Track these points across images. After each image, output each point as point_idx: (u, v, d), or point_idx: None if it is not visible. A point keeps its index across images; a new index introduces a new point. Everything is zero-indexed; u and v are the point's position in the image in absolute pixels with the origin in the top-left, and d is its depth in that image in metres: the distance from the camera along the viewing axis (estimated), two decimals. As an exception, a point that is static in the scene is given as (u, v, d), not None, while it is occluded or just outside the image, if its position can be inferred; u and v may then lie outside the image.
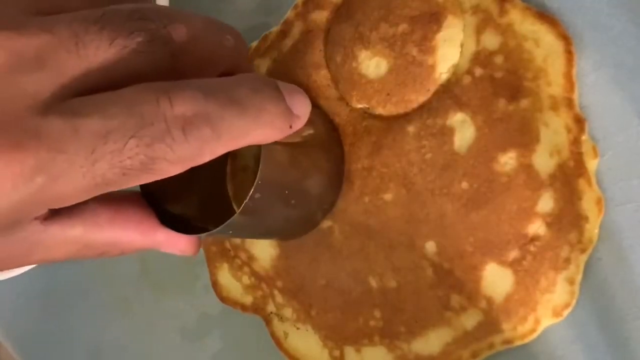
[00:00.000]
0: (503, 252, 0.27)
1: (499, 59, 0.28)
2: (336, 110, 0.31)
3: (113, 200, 0.23)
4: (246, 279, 0.34)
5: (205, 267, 0.35)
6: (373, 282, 0.30)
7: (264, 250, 0.33)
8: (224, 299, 0.35)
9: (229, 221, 0.24)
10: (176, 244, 0.25)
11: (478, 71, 0.28)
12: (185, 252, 0.26)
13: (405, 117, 0.29)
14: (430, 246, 0.29)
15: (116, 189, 0.20)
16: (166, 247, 0.25)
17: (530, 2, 0.27)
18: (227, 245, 0.34)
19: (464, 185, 0.28)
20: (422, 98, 0.29)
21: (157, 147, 0.19)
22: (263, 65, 0.33)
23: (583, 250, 0.27)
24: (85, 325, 0.40)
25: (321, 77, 0.31)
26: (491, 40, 0.28)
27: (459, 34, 0.28)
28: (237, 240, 0.34)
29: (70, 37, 0.19)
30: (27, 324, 0.42)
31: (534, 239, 0.27)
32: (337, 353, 0.31)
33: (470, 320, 0.28)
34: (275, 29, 0.33)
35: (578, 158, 0.26)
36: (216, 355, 0.36)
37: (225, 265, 0.34)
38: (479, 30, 0.28)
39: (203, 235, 0.25)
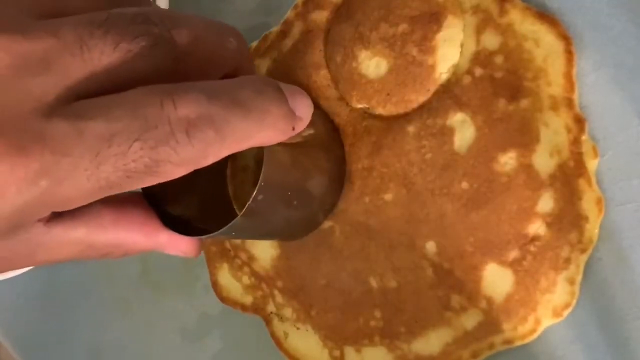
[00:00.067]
0: (503, 252, 0.27)
1: (499, 59, 0.28)
2: (336, 110, 0.31)
3: (116, 202, 0.23)
4: (246, 279, 0.34)
5: (205, 267, 0.35)
6: (373, 282, 0.30)
7: (264, 251, 0.33)
8: (224, 299, 0.35)
9: (231, 223, 0.24)
10: (178, 245, 0.25)
11: (478, 71, 0.28)
12: (187, 254, 0.26)
13: (405, 117, 0.29)
14: (431, 246, 0.29)
15: (120, 192, 0.20)
16: (169, 249, 0.25)
17: (531, 2, 0.27)
18: (227, 245, 0.34)
19: (464, 185, 0.28)
20: (422, 98, 0.29)
21: (161, 150, 0.19)
22: (263, 65, 0.33)
23: (583, 250, 0.27)
24: (85, 325, 0.40)
25: (321, 77, 0.31)
26: (491, 40, 0.28)
27: (459, 34, 0.28)
28: (237, 241, 0.34)
29: (75, 40, 0.19)
30: (27, 324, 0.42)
31: (534, 239, 0.27)
32: (337, 353, 0.31)
33: (470, 320, 0.28)
34: (275, 29, 0.33)
35: (578, 158, 0.26)
36: (216, 356, 0.36)
37: (225, 266, 0.34)
38: (479, 30, 0.28)
39: (205, 236, 0.25)
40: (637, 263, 0.26)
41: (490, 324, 0.28)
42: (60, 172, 0.18)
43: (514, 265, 0.27)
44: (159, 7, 0.32)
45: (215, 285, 0.35)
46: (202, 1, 0.36)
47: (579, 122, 0.26)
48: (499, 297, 0.28)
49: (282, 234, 0.31)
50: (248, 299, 0.34)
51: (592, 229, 0.26)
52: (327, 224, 0.31)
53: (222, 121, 0.20)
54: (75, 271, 0.40)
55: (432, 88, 0.29)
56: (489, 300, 0.28)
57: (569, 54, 0.27)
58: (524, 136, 0.27)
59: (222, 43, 0.23)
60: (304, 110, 0.23)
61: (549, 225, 0.27)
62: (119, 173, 0.19)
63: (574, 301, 0.27)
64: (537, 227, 0.27)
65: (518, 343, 0.28)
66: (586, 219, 0.26)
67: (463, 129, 0.28)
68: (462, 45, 0.28)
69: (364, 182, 0.30)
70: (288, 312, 0.33)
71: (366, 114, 0.30)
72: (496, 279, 0.28)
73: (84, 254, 0.23)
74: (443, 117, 0.28)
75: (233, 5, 0.35)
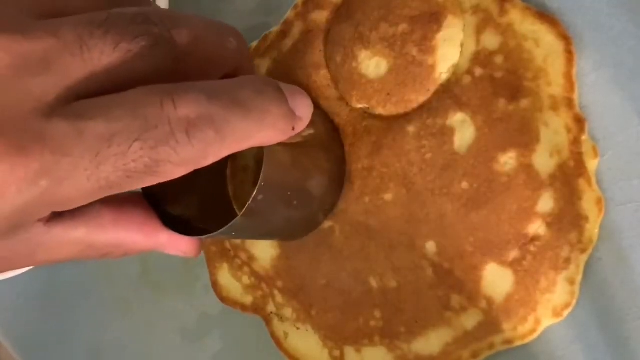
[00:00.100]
0: (503, 252, 0.27)
1: (499, 59, 0.28)
2: (336, 110, 0.31)
3: (116, 202, 0.23)
4: (246, 279, 0.34)
5: (205, 267, 0.35)
6: (373, 282, 0.30)
7: (264, 251, 0.33)
8: (224, 299, 0.35)
9: (231, 223, 0.24)
10: (179, 245, 0.25)
11: (478, 71, 0.28)
12: (187, 254, 0.26)
13: (405, 117, 0.29)
14: (431, 246, 0.29)
15: (120, 192, 0.20)
16: (169, 249, 0.25)
17: (531, 2, 0.27)
18: (227, 245, 0.34)
19: (464, 185, 0.28)
20: (422, 98, 0.29)
21: (161, 150, 0.19)
22: (263, 65, 0.33)
23: (583, 250, 0.27)
24: (85, 325, 0.40)
25: (321, 77, 0.31)
26: (491, 40, 0.28)
27: (459, 34, 0.28)
28: (237, 241, 0.34)
29: (75, 40, 0.19)
30: (27, 324, 0.42)
31: (534, 239, 0.27)
32: (337, 353, 0.31)
33: (470, 320, 0.28)
34: (275, 29, 0.33)
35: (578, 158, 0.26)
36: (216, 356, 0.36)
37: (225, 266, 0.34)
38: (479, 30, 0.28)
39: (205, 236, 0.25)
40: (637, 263, 0.26)
41: (490, 324, 0.28)
42: (61, 172, 0.18)
43: (514, 265, 0.27)
44: (159, 7, 0.32)
45: (215, 285, 0.35)
46: (202, 1, 0.36)
47: (579, 122, 0.26)
48: (499, 297, 0.28)
49: (282, 234, 0.31)
50: (248, 299, 0.34)
51: (592, 229, 0.26)
52: (327, 224, 0.31)
53: (222, 121, 0.20)
54: (76, 271, 0.40)
55: (432, 88, 0.29)
56: (489, 300, 0.28)
57: (569, 54, 0.27)
58: (524, 136, 0.27)
59: (222, 43, 0.23)
60: (304, 110, 0.23)
61: (549, 225, 0.27)
62: (119, 173, 0.19)
63: (574, 301, 0.27)
64: (537, 227, 0.27)
65: (518, 343, 0.28)
66: (586, 219, 0.26)
67: (463, 129, 0.28)
68: (462, 45, 0.28)
69: (364, 182, 0.30)
70: (288, 312, 0.33)
71: (366, 114, 0.30)
72: (496, 279, 0.28)
73: (83, 254, 0.23)
74: (443, 117, 0.28)
75: (233, 5, 0.35)
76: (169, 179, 0.20)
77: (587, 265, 0.27)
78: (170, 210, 0.26)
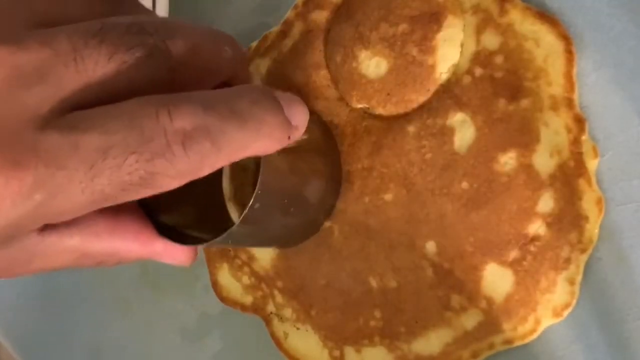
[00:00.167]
0: (503, 252, 0.27)
1: (499, 59, 0.28)
2: (336, 110, 0.31)
3: (111, 210, 0.23)
4: (246, 279, 0.34)
5: (205, 267, 0.35)
6: (373, 282, 0.30)
7: (264, 251, 0.33)
8: (224, 299, 0.35)
9: (228, 231, 0.24)
10: (174, 254, 0.25)
11: (478, 71, 0.28)
12: (183, 263, 0.25)
13: (405, 117, 0.29)
14: (431, 246, 0.29)
15: (114, 204, 0.20)
16: (164, 258, 0.25)
17: (531, 2, 0.27)
18: (227, 245, 0.34)
19: (464, 185, 0.28)
20: (422, 98, 0.29)
21: (157, 163, 0.19)
22: (263, 65, 0.33)
23: (583, 250, 0.27)
24: (85, 325, 0.40)
25: (321, 77, 0.31)
26: (491, 40, 0.28)
27: (459, 34, 0.28)
28: (237, 241, 0.34)
29: (69, 51, 0.19)
30: (27, 324, 0.42)
31: (534, 239, 0.27)
32: (337, 353, 0.31)
33: (470, 320, 0.28)
34: (275, 29, 0.33)
35: (578, 158, 0.26)
36: (216, 355, 0.36)
37: (225, 266, 0.34)
38: (479, 30, 0.28)
39: (202, 245, 0.25)
40: (637, 263, 0.26)
41: (490, 324, 0.28)
42: (55, 185, 0.18)
43: (514, 265, 0.27)
44: (155, 16, 0.31)
45: (215, 285, 0.35)
46: (202, 1, 0.36)
47: (579, 122, 0.26)
48: (499, 297, 0.28)
49: (279, 241, 0.31)
50: (248, 299, 0.34)
51: (592, 229, 0.26)
52: (326, 224, 0.31)
53: (219, 132, 0.20)
54: (75, 271, 0.40)
55: (432, 88, 0.29)
56: (489, 300, 0.28)
57: (569, 54, 0.27)
58: (524, 136, 0.27)
59: (218, 52, 0.23)
60: (300, 118, 0.23)
61: (549, 225, 0.27)
62: (114, 186, 0.19)
63: (574, 301, 0.27)
64: (537, 227, 0.27)
65: (518, 343, 0.28)
66: (586, 219, 0.26)
67: (463, 129, 0.28)
68: (462, 45, 0.28)
69: (363, 182, 0.30)
70: (288, 312, 0.33)
71: (366, 114, 0.30)
72: (496, 279, 0.28)
73: (78, 262, 0.23)
74: (443, 117, 0.28)
75: (233, 5, 0.35)
76: (164, 191, 0.20)
77: (587, 265, 0.27)
78: (165, 219, 0.25)
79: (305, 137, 0.28)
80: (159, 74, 0.20)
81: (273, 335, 0.33)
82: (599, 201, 0.26)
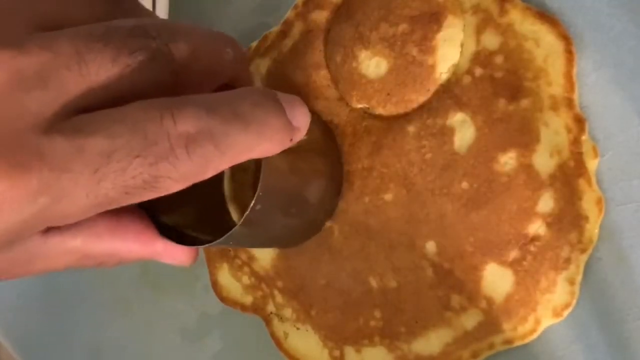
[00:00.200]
0: (503, 252, 0.27)
1: (499, 59, 0.28)
2: (336, 110, 0.31)
3: (112, 211, 0.23)
4: (246, 279, 0.34)
5: (205, 267, 0.35)
6: (373, 282, 0.30)
7: (264, 251, 0.33)
8: (224, 299, 0.35)
9: (229, 233, 0.24)
10: (175, 254, 0.25)
11: (478, 71, 0.28)
12: (183, 263, 0.26)
13: (405, 117, 0.29)
14: (431, 246, 0.29)
15: (118, 206, 0.20)
16: (165, 258, 0.25)
17: (531, 2, 0.27)
18: (227, 245, 0.34)
19: (464, 185, 0.28)
20: (422, 98, 0.29)
21: (161, 166, 0.19)
22: (263, 65, 0.33)
23: (583, 250, 0.27)
24: (85, 325, 0.40)
25: (321, 77, 0.31)
26: (491, 40, 0.28)
27: (459, 34, 0.28)
28: (237, 241, 0.34)
29: (72, 54, 0.19)
30: (27, 324, 0.42)
31: (534, 239, 0.27)
32: (337, 353, 0.31)
33: (470, 320, 0.28)
34: (275, 29, 0.33)
35: (578, 158, 0.26)
36: (216, 355, 0.36)
37: (225, 266, 0.34)
38: (479, 30, 0.28)
39: (203, 246, 0.25)
40: (637, 263, 0.26)
41: (490, 324, 0.28)
42: (59, 189, 0.18)
43: (514, 265, 0.27)
44: (157, 18, 0.31)
45: (215, 285, 0.35)
46: (202, 1, 0.36)
47: (579, 122, 0.26)
48: (499, 297, 0.28)
49: (280, 242, 0.31)
50: (248, 299, 0.34)
51: (592, 229, 0.26)
52: (326, 224, 0.31)
53: (222, 135, 0.20)
54: (75, 272, 0.40)
55: (432, 88, 0.29)
56: (489, 300, 0.28)
57: (569, 53, 0.27)
58: (524, 136, 0.27)
59: (219, 54, 0.23)
60: (302, 119, 0.23)
61: (549, 225, 0.27)
62: (118, 189, 0.19)
63: (574, 301, 0.27)
64: (537, 227, 0.27)
65: (518, 343, 0.28)
66: (586, 219, 0.26)
67: (463, 129, 0.28)
68: (462, 45, 0.28)
69: (363, 182, 0.30)
70: (288, 312, 0.33)
71: (366, 114, 0.30)
72: (496, 279, 0.28)
73: (80, 263, 0.23)
74: (443, 117, 0.28)
75: (233, 5, 0.35)
76: (167, 193, 0.20)
77: (587, 265, 0.27)
78: (166, 219, 0.26)
79: (305, 137, 0.28)
80: (161, 77, 0.20)
81: (273, 335, 0.33)
82: (599, 201, 0.26)
